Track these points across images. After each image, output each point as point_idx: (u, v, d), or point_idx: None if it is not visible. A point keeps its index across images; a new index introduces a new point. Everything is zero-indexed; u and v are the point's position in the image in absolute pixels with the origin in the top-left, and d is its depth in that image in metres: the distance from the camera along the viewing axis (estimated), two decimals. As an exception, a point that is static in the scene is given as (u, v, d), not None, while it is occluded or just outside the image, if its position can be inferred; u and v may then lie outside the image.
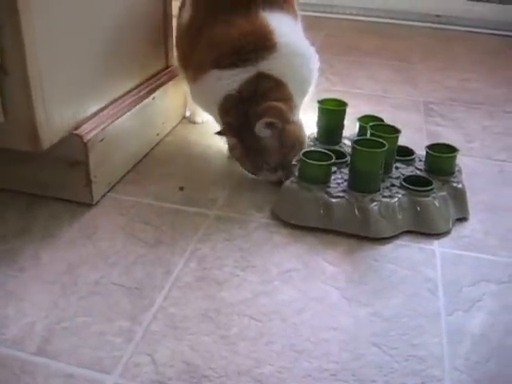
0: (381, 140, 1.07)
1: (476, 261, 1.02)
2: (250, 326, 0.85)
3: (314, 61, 1.22)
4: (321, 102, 1.25)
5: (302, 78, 1.19)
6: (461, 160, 1.22)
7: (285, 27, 1.17)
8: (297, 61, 1.17)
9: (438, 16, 2.45)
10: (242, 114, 1.12)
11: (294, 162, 1.15)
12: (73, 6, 1.01)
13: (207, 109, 1.27)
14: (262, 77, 1.13)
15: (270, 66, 1.13)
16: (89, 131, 1.08)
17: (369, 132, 1.13)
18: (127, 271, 0.94)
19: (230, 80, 1.13)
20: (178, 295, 0.90)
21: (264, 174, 1.18)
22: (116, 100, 1.20)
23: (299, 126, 1.16)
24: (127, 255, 0.98)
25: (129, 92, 1.25)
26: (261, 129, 1.10)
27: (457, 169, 1.16)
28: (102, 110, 1.15)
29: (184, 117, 1.48)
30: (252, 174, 1.19)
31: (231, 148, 1.19)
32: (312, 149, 1.16)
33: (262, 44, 1.13)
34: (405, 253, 1.02)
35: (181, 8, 1.31)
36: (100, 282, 0.92)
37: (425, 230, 1.07)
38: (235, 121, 1.13)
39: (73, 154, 1.07)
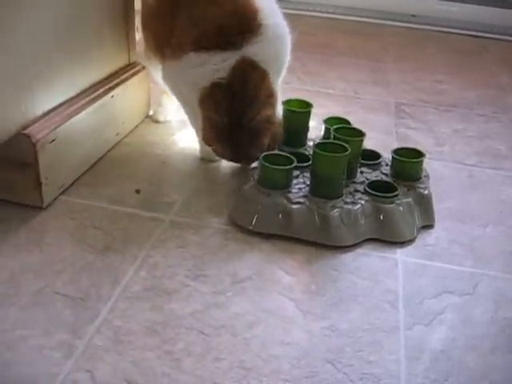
0: (344, 144, 1.03)
1: (439, 271, 0.98)
2: (198, 340, 0.80)
3: (289, 41, 1.17)
4: (285, 103, 1.20)
5: (281, 62, 1.16)
6: (430, 164, 1.19)
7: (267, 5, 1.13)
8: (278, 44, 1.13)
9: (413, 16, 2.42)
10: (232, 109, 1.08)
11: None
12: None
13: (177, 91, 1.21)
14: (247, 65, 1.08)
15: (255, 50, 1.08)
16: (39, 131, 1.02)
17: (332, 135, 1.09)
18: (73, 280, 0.89)
19: (217, 66, 1.08)
20: (125, 306, 0.85)
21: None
22: (71, 98, 1.14)
23: (279, 123, 1.15)
24: (74, 262, 0.93)
25: (86, 90, 1.19)
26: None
27: (424, 174, 1.13)
28: (55, 108, 1.09)
29: (147, 115, 1.43)
30: (223, 158, 1.18)
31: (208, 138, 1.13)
32: (274, 152, 1.11)
33: (248, 26, 1.09)
34: (366, 262, 0.99)
35: None
36: (43, 292, 0.87)
37: (388, 238, 1.03)
38: (222, 119, 1.08)
39: (21, 155, 1.01)
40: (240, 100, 1.08)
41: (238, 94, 1.08)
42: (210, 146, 1.15)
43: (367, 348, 0.82)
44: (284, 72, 1.19)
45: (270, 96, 1.11)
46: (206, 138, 1.14)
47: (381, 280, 0.95)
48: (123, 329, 0.81)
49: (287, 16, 1.18)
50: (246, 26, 1.09)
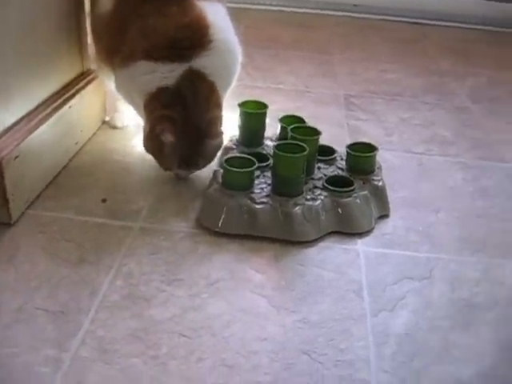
0: (302, 144, 1.08)
1: (398, 258, 1.05)
2: (180, 343, 0.84)
3: (239, 56, 1.21)
4: (241, 105, 1.24)
5: (230, 76, 1.20)
6: (381, 155, 1.24)
7: (220, 20, 1.17)
8: (228, 59, 1.17)
9: (355, 5, 2.49)
10: (181, 112, 1.11)
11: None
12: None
13: (130, 99, 1.24)
14: (196, 75, 1.12)
15: (204, 63, 1.12)
16: (2, 148, 1.03)
17: (289, 135, 1.13)
18: (51, 295, 0.92)
19: (165, 75, 1.11)
20: (106, 316, 0.88)
21: (181, 172, 1.20)
22: (31, 112, 1.15)
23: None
24: (50, 277, 0.95)
25: (44, 102, 1.20)
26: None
27: (377, 166, 1.19)
28: (15, 124, 1.10)
29: (104, 122, 1.45)
30: (168, 169, 1.20)
31: (158, 142, 1.12)
32: (234, 155, 1.16)
33: (199, 40, 1.12)
34: (330, 255, 1.04)
35: None
36: (23, 309, 0.89)
37: (348, 230, 1.09)
38: (179, 114, 1.11)
39: (-14, 174, 1.03)
40: (190, 104, 1.11)
41: (187, 98, 1.11)
42: (153, 151, 1.18)
43: (338, 337, 0.87)
44: (232, 85, 1.22)
45: (217, 107, 1.15)
46: (154, 139, 1.13)
47: (345, 271, 1.01)
48: (107, 338, 0.85)
49: (232, 10, 1.22)
50: (196, 40, 1.12)
